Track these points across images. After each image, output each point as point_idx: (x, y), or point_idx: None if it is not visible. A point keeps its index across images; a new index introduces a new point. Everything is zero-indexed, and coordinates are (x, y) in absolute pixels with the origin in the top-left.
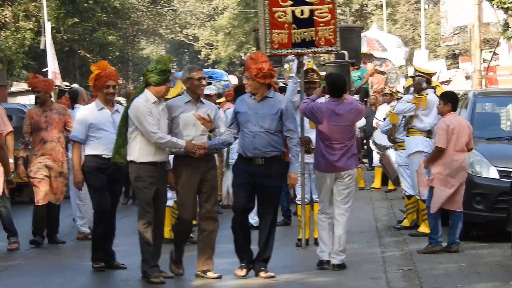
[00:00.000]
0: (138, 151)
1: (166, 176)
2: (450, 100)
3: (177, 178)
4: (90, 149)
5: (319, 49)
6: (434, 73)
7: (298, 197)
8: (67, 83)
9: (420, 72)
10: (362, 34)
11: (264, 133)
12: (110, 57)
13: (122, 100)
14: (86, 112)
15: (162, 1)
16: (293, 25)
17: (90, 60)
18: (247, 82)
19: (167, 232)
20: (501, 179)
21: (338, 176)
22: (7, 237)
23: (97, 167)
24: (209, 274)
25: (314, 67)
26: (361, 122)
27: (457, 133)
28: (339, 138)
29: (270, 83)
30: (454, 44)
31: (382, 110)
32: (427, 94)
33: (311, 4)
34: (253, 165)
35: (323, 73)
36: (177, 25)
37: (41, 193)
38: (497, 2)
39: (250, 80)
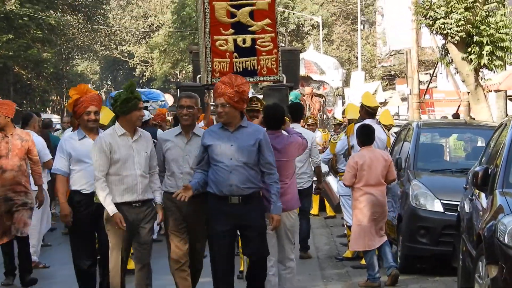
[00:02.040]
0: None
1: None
2: (360, 136)
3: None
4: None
5: (261, 78)
6: (379, 106)
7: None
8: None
9: (366, 106)
10: (300, 57)
11: (242, 167)
12: (45, 73)
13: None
14: (66, 142)
15: (97, 18)
16: (235, 54)
17: (24, 76)
18: (221, 110)
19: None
20: (446, 213)
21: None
22: None
23: (76, 204)
24: None
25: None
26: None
27: (368, 168)
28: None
29: (243, 110)
30: (390, 65)
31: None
32: (354, 124)
33: (253, 33)
34: (228, 204)
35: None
36: (112, 42)
37: None
38: (436, 28)
39: (227, 107)
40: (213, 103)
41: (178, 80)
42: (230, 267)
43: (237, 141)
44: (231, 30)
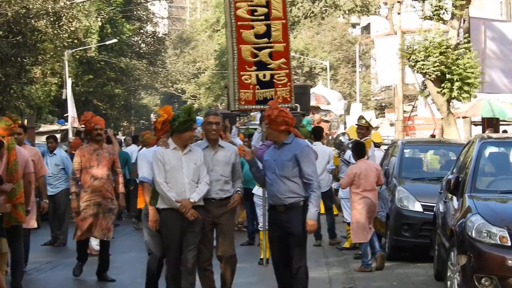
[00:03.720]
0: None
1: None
2: (356, 151)
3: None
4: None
5: (278, 105)
6: (376, 127)
7: (260, 224)
8: (82, 125)
9: (367, 123)
10: (311, 91)
11: (280, 180)
12: (116, 105)
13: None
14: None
15: (157, 63)
16: (257, 86)
17: (101, 107)
18: (265, 131)
19: None
20: (424, 212)
21: None
22: None
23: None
24: None
25: None
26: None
27: (364, 177)
28: None
29: (288, 129)
30: (381, 99)
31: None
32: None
33: (271, 69)
34: (275, 213)
35: None
36: (169, 81)
37: (79, 231)
38: (417, 68)
39: (267, 128)
40: None
41: (218, 109)
42: (283, 271)
43: (277, 157)
44: (254, 67)
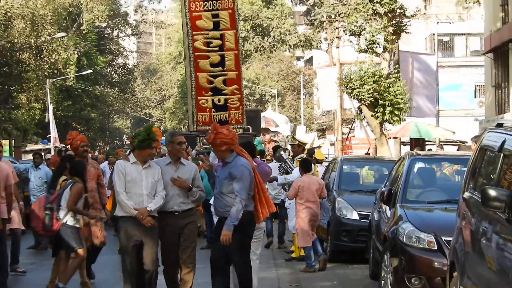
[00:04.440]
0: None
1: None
2: (302, 166)
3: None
4: None
5: (232, 126)
6: (307, 143)
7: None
8: (63, 145)
9: (298, 141)
10: (262, 115)
11: (219, 195)
12: (92, 127)
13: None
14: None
15: (128, 91)
16: (213, 109)
17: (79, 129)
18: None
19: None
20: (361, 220)
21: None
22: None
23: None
24: None
25: None
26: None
27: (306, 189)
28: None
29: (229, 148)
30: (323, 122)
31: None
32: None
33: (225, 94)
34: (221, 223)
35: None
36: (138, 106)
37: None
38: (354, 95)
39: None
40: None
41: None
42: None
43: (219, 174)
44: (210, 93)
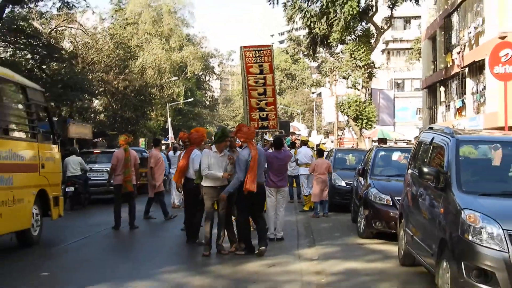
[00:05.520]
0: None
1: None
2: (318, 153)
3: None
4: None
5: (270, 130)
6: (308, 139)
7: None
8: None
9: (302, 139)
10: (290, 124)
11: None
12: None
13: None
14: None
15: (214, 111)
16: (259, 120)
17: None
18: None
19: None
20: (347, 186)
21: (279, 190)
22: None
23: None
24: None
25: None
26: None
27: (320, 167)
28: (280, 170)
29: (245, 141)
30: (327, 129)
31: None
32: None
33: (266, 111)
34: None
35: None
36: (220, 119)
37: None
38: (344, 113)
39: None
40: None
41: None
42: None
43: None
44: (257, 110)
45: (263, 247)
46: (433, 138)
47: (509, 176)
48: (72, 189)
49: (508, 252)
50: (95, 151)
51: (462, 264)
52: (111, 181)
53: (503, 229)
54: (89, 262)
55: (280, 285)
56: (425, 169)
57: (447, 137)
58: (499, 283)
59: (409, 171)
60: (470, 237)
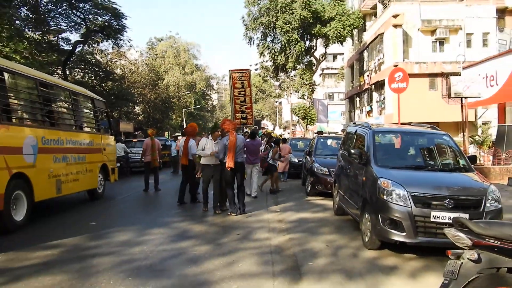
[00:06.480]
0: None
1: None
2: (282, 141)
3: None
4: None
5: (248, 126)
6: (272, 131)
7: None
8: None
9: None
10: (262, 122)
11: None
12: (203, 132)
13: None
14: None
15: (213, 113)
16: (241, 119)
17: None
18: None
19: None
20: (298, 162)
21: (254, 165)
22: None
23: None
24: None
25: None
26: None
27: (283, 150)
28: (254, 152)
29: (228, 131)
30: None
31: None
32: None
33: (246, 113)
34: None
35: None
36: (216, 119)
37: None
38: (297, 114)
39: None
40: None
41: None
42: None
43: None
44: (240, 112)
45: (241, 212)
46: (356, 130)
47: (408, 155)
48: (118, 164)
49: (411, 207)
50: (133, 140)
51: (379, 216)
52: (143, 159)
53: (407, 191)
54: (125, 213)
55: (255, 230)
56: (352, 151)
57: (366, 129)
58: (404, 228)
59: (340, 152)
60: (384, 197)
